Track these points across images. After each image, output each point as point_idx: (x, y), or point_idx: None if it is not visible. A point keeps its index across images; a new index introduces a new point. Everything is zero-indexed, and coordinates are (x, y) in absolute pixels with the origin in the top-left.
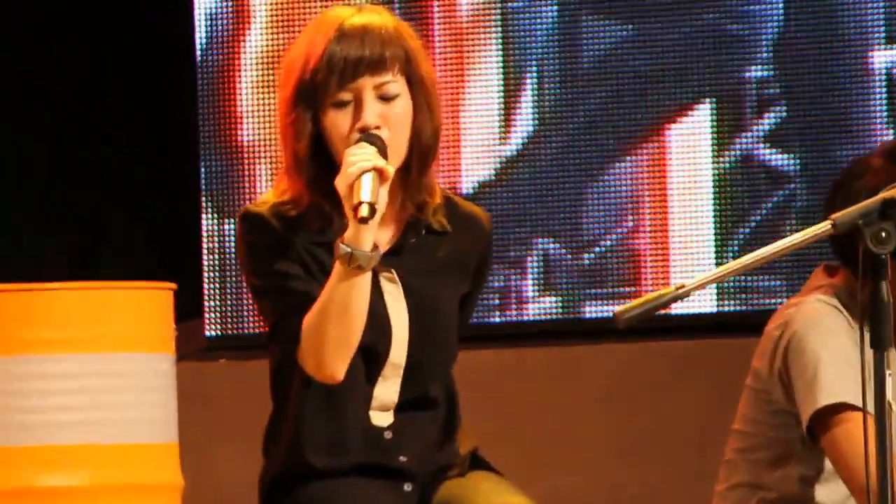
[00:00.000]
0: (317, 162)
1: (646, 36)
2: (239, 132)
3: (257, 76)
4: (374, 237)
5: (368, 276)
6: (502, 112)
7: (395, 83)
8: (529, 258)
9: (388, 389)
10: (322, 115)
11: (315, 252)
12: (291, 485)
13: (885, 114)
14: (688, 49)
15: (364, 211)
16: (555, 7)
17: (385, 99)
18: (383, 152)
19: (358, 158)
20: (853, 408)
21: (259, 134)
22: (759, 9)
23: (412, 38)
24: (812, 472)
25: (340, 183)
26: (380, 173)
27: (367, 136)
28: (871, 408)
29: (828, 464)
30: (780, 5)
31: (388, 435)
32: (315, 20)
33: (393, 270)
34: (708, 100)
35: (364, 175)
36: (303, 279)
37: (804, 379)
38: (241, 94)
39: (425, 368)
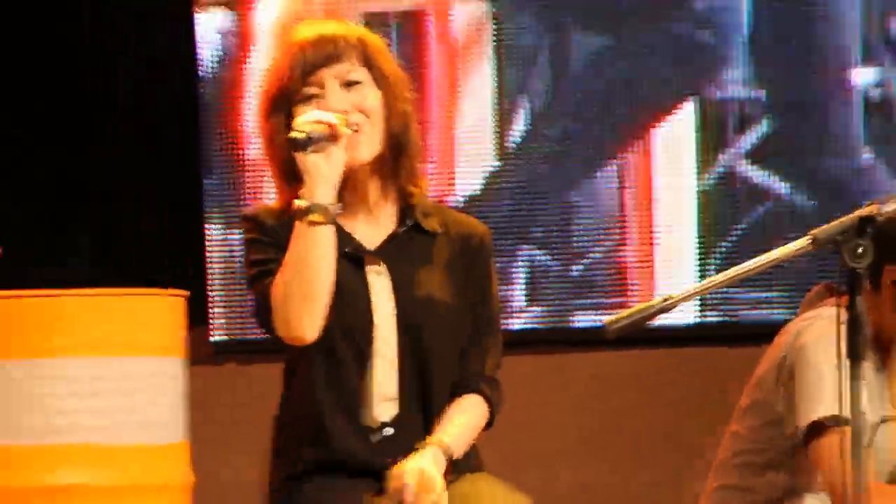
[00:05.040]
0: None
1: (629, 50)
2: (243, 148)
3: None
4: (333, 194)
5: (328, 230)
6: (496, 126)
7: (356, 72)
8: (519, 268)
9: (385, 380)
10: (296, 115)
11: None
12: (296, 483)
13: (862, 130)
14: (671, 64)
15: (296, 134)
16: (544, 21)
17: (349, 85)
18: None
19: (305, 114)
20: (847, 422)
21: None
22: (739, 28)
23: (372, 39)
24: (799, 481)
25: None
26: (329, 128)
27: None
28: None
29: (813, 475)
30: (769, 27)
31: (387, 432)
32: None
33: (382, 263)
34: (693, 117)
35: (309, 114)
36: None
37: (807, 390)
38: (244, 112)
39: (421, 361)
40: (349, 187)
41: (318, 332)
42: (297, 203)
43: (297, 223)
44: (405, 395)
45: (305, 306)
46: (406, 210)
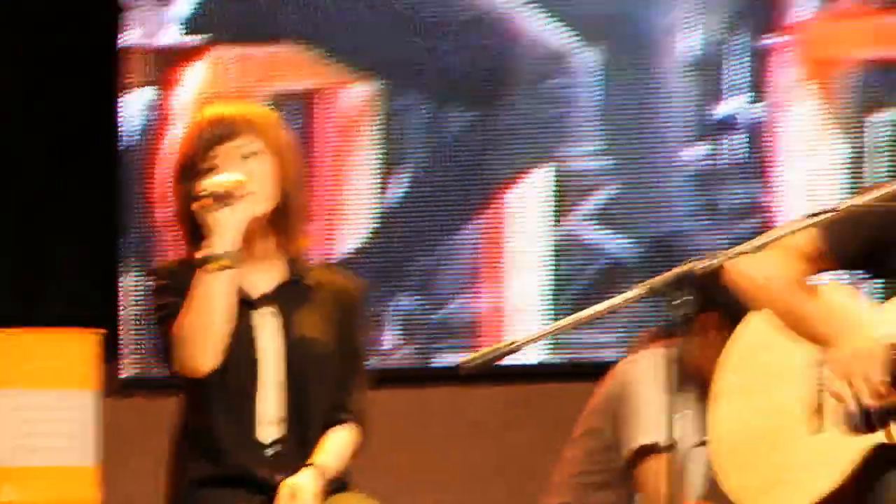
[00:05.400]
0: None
1: (494, 123)
2: (156, 210)
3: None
4: (236, 249)
5: (227, 275)
6: (377, 190)
7: (252, 144)
8: (392, 314)
9: (269, 404)
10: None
11: None
12: (191, 494)
13: (692, 198)
14: (529, 135)
15: (212, 190)
16: (422, 99)
17: (246, 156)
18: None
19: (216, 176)
20: (665, 448)
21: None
22: (590, 104)
23: (266, 114)
24: (625, 499)
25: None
26: (234, 186)
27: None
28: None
29: (638, 493)
30: (616, 103)
31: (269, 452)
32: None
33: (270, 308)
34: (547, 182)
35: (219, 175)
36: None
37: (630, 421)
38: (160, 179)
39: (299, 389)
40: (244, 241)
41: (213, 365)
42: (200, 252)
43: (198, 270)
44: (285, 420)
45: (204, 342)
46: (291, 263)
